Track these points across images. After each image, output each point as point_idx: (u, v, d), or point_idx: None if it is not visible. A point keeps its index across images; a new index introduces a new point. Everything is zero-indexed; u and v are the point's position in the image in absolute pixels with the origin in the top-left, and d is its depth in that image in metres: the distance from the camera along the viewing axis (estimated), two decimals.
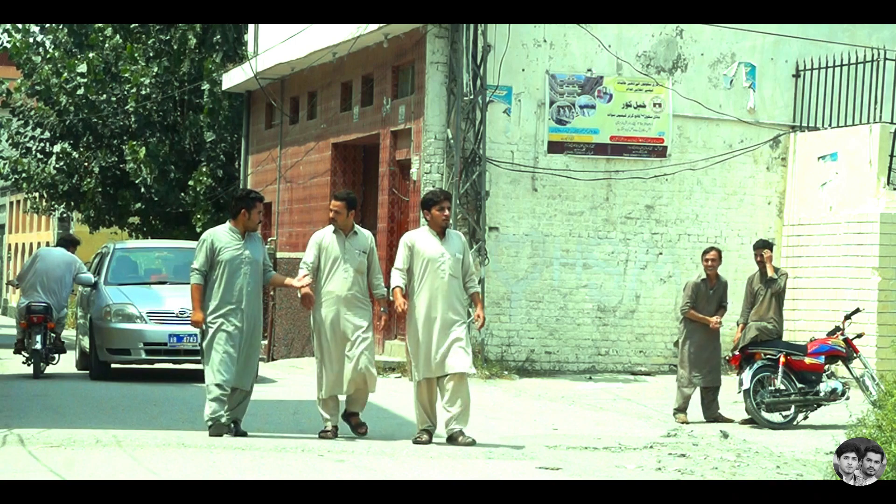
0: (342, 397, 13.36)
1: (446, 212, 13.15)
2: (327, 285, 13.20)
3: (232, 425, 13.01)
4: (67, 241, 21.86)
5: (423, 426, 13.14)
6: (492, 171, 22.16)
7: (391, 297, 13.17)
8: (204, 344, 13.09)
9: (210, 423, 12.90)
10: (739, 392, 16.15)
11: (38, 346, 20.32)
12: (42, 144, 35.62)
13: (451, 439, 12.91)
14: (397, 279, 13.08)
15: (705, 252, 17.02)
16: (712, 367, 16.67)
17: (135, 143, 32.95)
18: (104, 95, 33.56)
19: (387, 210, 23.76)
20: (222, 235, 13.21)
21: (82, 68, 33.50)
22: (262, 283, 13.28)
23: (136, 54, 33.49)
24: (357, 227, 13.42)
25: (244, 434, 13.10)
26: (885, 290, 20.97)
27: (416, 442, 12.93)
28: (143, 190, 33.63)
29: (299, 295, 13.33)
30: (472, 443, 12.86)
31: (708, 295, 16.70)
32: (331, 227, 13.42)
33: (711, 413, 16.60)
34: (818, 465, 12.10)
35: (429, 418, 13.13)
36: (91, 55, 33.66)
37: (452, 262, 13.06)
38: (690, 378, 16.53)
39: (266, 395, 17.57)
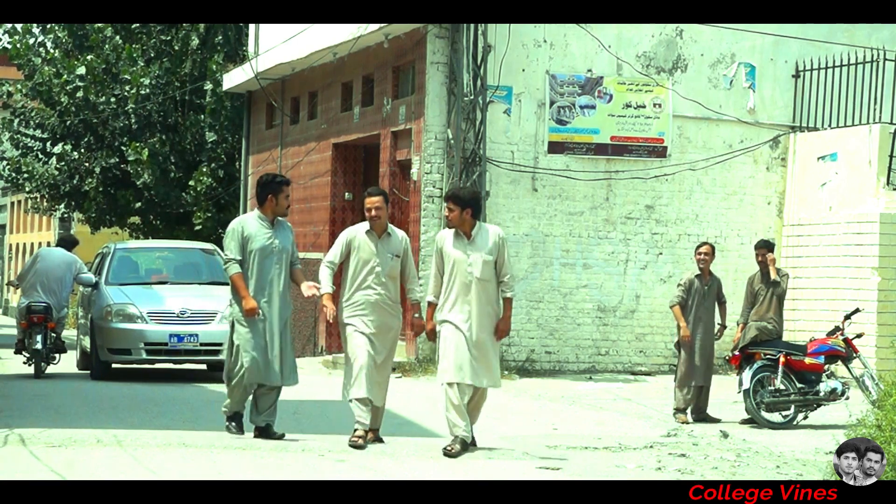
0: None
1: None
2: (356, 289, 12.29)
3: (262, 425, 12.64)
4: (67, 242, 21.87)
5: (457, 433, 11.99)
6: (492, 172, 22.16)
7: (424, 308, 12.34)
8: (235, 339, 12.50)
9: (227, 410, 12.76)
10: (739, 392, 16.15)
11: (39, 345, 20.35)
12: (42, 145, 35.62)
13: None
14: (431, 292, 12.20)
15: (698, 246, 17.02)
16: (707, 367, 16.69)
17: (138, 144, 32.94)
18: (103, 97, 33.55)
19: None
20: (251, 223, 12.63)
21: (81, 70, 33.50)
22: (289, 272, 12.65)
23: (135, 55, 33.49)
24: (391, 227, 12.42)
25: (280, 436, 12.58)
26: (884, 290, 20.98)
27: (447, 452, 11.80)
28: (143, 190, 33.65)
29: (320, 301, 12.41)
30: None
31: (703, 291, 16.67)
32: (363, 226, 12.41)
33: (701, 413, 16.59)
34: (818, 465, 12.11)
35: (462, 419, 11.98)
36: (90, 57, 33.65)
37: (480, 266, 12.11)
38: (690, 378, 16.53)
39: None
